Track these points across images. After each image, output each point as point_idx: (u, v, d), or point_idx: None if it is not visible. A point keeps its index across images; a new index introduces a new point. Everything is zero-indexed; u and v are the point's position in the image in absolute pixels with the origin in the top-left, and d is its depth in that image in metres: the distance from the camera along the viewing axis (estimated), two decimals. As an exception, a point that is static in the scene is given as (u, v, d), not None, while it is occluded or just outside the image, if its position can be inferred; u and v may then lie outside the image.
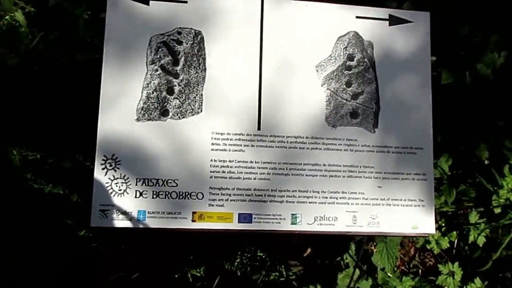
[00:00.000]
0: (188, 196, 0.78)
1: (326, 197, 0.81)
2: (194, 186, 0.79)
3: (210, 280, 1.56)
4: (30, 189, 1.54)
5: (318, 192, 0.81)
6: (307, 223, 0.80)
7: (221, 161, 0.80)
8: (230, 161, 0.80)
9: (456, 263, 1.39)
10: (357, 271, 1.47)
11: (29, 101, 1.52)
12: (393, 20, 0.86)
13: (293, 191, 0.81)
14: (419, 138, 0.84)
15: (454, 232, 1.46)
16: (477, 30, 1.37)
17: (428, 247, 1.47)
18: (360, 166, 0.83)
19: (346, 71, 0.85)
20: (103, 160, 0.77)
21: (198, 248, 1.55)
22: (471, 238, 1.41)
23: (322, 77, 0.84)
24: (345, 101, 0.84)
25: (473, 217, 1.41)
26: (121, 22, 0.80)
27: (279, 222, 0.80)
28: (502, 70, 1.32)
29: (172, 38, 0.81)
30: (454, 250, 1.56)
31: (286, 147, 0.82)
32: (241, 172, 0.80)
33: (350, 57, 0.85)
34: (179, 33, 0.82)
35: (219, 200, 0.79)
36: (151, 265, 1.52)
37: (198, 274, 1.56)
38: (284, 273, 1.61)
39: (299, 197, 0.81)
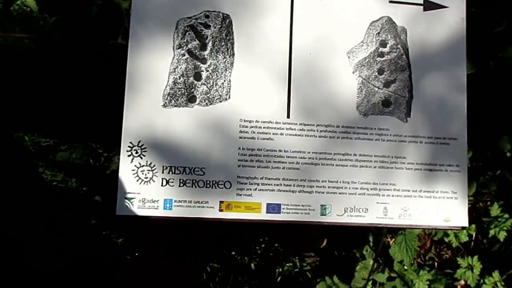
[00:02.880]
0: (216, 185, 0.76)
1: (357, 188, 0.79)
2: (221, 174, 0.76)
3: (226, 272, 1.55)
4: (41, 177, 1.53)
5: (348, 183, 0.79)
6: (337, 214, 0.78)
7: (249, 149, 0.77)
8: (258, 149, 0.78)
9: (476, 257, 1.37)
10: (375, 264, 1.45)
11: (42, 87, 1.51)
12: (428, 5, 0.83)
13: (322, 181, 0.78)
14: (453, 128, 0.82)
15: (473, 225, 1.43)
16: (501, 20, 1.33)
17: (446, 240, 1.44)
18: (392, 157, 0.80)
19: (379, 58, 0.82)
20: (129, 147, 0.75)
21: (214, 240, 1.54)
22: (491, 232, 1.38)
23: (354, 64, 0.81)
24: (377, 89, 0.81)
25: (495, 211, 1.38)
26: (147, 5, 0.77)
27: (308, 213, 0.78)
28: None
29: (199, 21, 0.79)
30: (472, 243, 1.53)
31: (316, 136, 0.79)
32: (270, 161, 0.78)
33: (383, 43, 0.82)
34: (207, 16, 0.79)
35: (247, 189, 0.77)
36: (165, 258, 1.51)
37: (216, 265, 1.56)
38: (298, 264, 1.60)
39: (328, 187, 0.78)
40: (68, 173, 1.58)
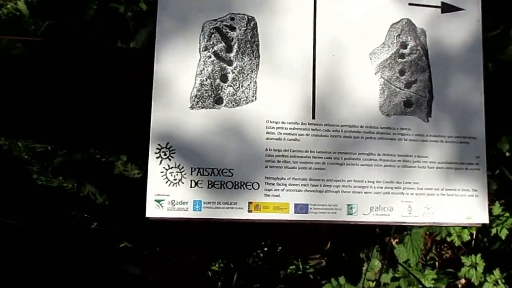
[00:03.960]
0: (244, 186, 0.76)
1: (381, 187, 0.80)
2: (249, 175, 0.77)
3: (228, 275, 1.54)
4: (34, 183, 1.50)
5: (373, 182, 0.80)
6: (363, 214, 0.79)
7: (276, 150, 0.78)
8: (285, 150, 0.78)
9: (479, 255, 1.39)
10: (379, 264, 1.47)
11: (36, 92, 1.48)
12: (445, 7, 0.85)
13: (348, 181, 0.79)
14: (472, 127, 0.84)
15: (474, 224, 1.45)
16: (498, 23, 1.37)
17: (449, 239, 1.47)
18: (415, 156, 0.82)
19: (400, 59, 0.83)
20: (157, 149, 0.75)
21: (215, 243, 1.53)
22: (493, 231, 1.41)
23: (376, 65, 0.82)
24: (398, 89, 0.83)
25: (496, 209, 1.41)
26: (172, 8, 0.77)
27: (335, 213, 0.78)
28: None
29: (225, 24, 0.79)
30: (473, 242, 1.56)
31: (340, 136, 0.80)
32: (296, 162, 0.78)
33: (403, 45, 0.84)
34: (232, 19, 0.79)
35: (275, 190, 0.77)
36: (167, 261, 1.49)
37: (217, 269, 1.55)
38: (301, 266, 1.60)
39: (354, 187, 0.79)
40: (66, 178, 1.56)
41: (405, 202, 0.80)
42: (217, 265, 1.58)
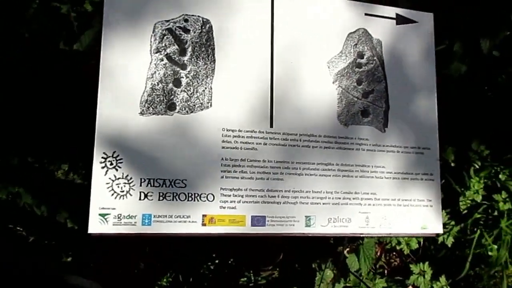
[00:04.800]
0: (198, 197, 0.72)
1: (340, 198, 0.78)
2: (204, 186, 0.72)
3: (177, 288, 1.48)
4: None
5: (331, 193, 0.78)
6: (321, 225, 0.77)
7: (232, 159, 0.74)
8: (241, 159, 0.74)
9: (426, 263, 1.42)
10: (331, 274, 1.47)
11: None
12: (400, 19, 0.86)
13: (306, 191, 0.77)
14: (426, 138, 0.84)
15: (421, 233, 1.48)
16: (443, 38, 1.43)
17: (398, 248, 1.49)
18: (372, 166, 0.81)
19: (357, 69, 0.83)
20: (102, 158, 0.68)
21: (164, 255, 1.47)
22: (440, 239, 1.45)
23: (334, 74, 0.81)
24: (356, 99, 0.82)
25: (443, 218, 1.45)
26: (122, 3, 0.71)
27: (293, 225, 0.75)
28: (466, 77, 1.38)
29: (178, 25, 0.74)
30: (420, 250, 1.60)
31: (299, 146, 0.78)
32: (254, 172, 0.75)
33: (360, 55, 0.83)
34: (186, 20, 0.75)
35: (230, 201, 0.73)
36: (112, 274, 1.41)
37: (165, 284, 1.48)
38: (253, 278, 1.57)
39: (312, 198, 0.77)
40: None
41: (362, 213, 0.79)
42: (165, 279, 1.51)
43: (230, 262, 1.57)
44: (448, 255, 1.59)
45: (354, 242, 1.42)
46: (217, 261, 1.57)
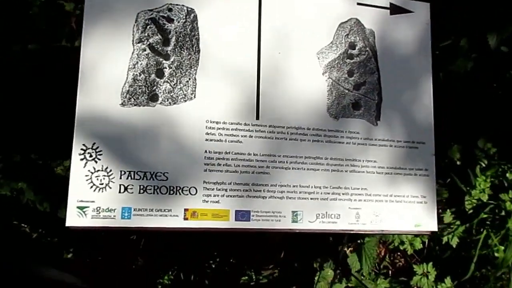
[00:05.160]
0: (180, 191, 0.70)
1: (328, 193, 0.76)
2: (186, 180, 0.70)
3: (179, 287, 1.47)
4: None
5: (320, 188, 0.75)
6: (309, 221, 0.74)
7: (216, 152, 0.72)
8: (226, 152, 0.72)
9: (430, 264, 1.39)
10: (332, 273, 1.44)
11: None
12: (394, 9, 0.83)
13: (294, 186, 0.74)
14: (421, 131, 0.81)
15: (426, 233, 1.44)
16: (449, 34, 1.39)
17: (401, 248, 1.45)
18: (363, 160, 0.78)
19: (348, 60, 0.80)
20: (82, 149, 0.67)
21: (166, 252, 1.46)
22: (444, 239, 1.41)
23: (324, 65, 0.78)
24: (347, 91, 0.79)
25: (448, 217, 1.41)
26: (103, -7, 0.70)
27: (279, 220, 0.73)
28: (472, 73, 1.34)
29: (161, 15, 0.73)
30: (425, 251, 1.56)
31: (286, 139, 0.75)
32: (239, 165, 0.73)
33: (352, 45, 0.80)
34: (170, 9, 0.73)
35: (214, 195, 0.71)
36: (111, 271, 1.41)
37: (167, 282, 1.47)
38: (254, 277, 1.55)
39: (300, 192, 0.75)
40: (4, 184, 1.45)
41: (353, 208, 0.76)
42: (166, 277, 1.50)
43: (231, 260, 1.56)
44: (453, 256, 1.55)
45: (355, 241, 1.39)
46: (218, 260, 1.56)
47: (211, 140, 0.72)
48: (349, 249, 1.46)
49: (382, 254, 1.66)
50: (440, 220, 1.44)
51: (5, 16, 1.42)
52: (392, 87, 0.81)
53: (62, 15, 1.44)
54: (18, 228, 1.45)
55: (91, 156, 0.67)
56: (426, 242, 1.52)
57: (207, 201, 0.71)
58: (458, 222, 1.44)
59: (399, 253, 1.66)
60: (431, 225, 0.79)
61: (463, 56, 1.31)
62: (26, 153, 1.48)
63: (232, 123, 0.73)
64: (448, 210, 1.47)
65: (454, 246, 1.37)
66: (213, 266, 1.55)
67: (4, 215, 1.43)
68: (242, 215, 0.71)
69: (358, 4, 0.81)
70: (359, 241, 1.36)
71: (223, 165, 0.72)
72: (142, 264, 1.44)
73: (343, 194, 0.76)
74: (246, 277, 1.54)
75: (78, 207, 0.66)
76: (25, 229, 1.48)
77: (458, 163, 1.45)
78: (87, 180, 0.67)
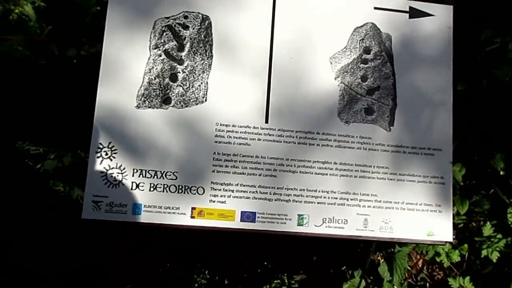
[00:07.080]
0: (188, 190, 0.73)
1: (336, 198, 0.75)
2: (194, 180, 0.73)
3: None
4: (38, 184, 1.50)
5: (327, 192, 0.75)
6: (315, 225, 0.74)
7: (224, 154, 0.74)
8: (234, 154, 0.74)
9: (467, 278, 1.32)
10: (363, 282, 1.41)
11: (34, 95, 1.49)
12: (414, 13, 0.81)
13: (301, 189, 0.75)
14: (438, 138, 0.79)
15: (465, 245, 1.38)
16: (495, 36, 1.32)
17: (438, 259, 1.40)
18: (374, 166, 0.77)
19: (362, 65, 0.79)
20: (98, 148, 0.72)
21: (198, 250, 1.49)
22: (484, 253, 1.33)
23: (336, 70, 0.78)
24: (359, 96, 0.78)
25: (487, 230, 1.34)
26: (124, 3, 0.75)
27: (285, 223, 0.74)
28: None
29: (178, 22, 0.76)
30: (464, 264, 1.49)
31: (295, 143, 0.76)
32: (246, 167, 0.74)
33: (367, 50, 0.80)
34: (186, 17, 0.77)
35: (221, 196, 0.73)
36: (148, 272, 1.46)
37: (203, 281, 1.51)
38: (286, 281, 1.55)
39: (307, 196, 0.75)
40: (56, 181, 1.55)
41: (361, 215, 0.75)
42: (199, 279, 1.54)
43: (265, 263, 1.57)
44: (494, 272, 1.46)
45: (384, 249, 1.35)
46: (247, 264, 1.58)
47: (220, 142, 0.74)
48: (382, 259, 1.43)
49: (420, 265, 1.60)
50: (480, 232, 1.37)
51: (64, 24, 1.53)
52: (409, 93, 0.79)
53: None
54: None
55: (106, 154, 0.72)
56: (466, 256, 1.46)
57: (214, 201, 0.73)
58: (499, 236, 1.36)
59: (437, 266, 1.60)
60: (446, 235, 0.77)
61: (507, 63, 1.24)
62: (75, 152, 1.57)
63: (241, 126, 0.75)
64: (488, 222, 1.39)
65: (494, 260, 1.30)
66: (245, 269, 1.57)
67: (57, 209, 1.52)
68: (247, 216, 0.73)
69: (375, 8, 0.81)
70: (389, 250, 1.33)
71: (231, 166, 0.74)
72: (178, 265, 1.48)
73: (351, 199, 0.76)
74: (278, 281, 1.55)
75: (93, 201, 0.71)
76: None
77: (501, 173, 1.37)
78: (102, 176, 0.72)
